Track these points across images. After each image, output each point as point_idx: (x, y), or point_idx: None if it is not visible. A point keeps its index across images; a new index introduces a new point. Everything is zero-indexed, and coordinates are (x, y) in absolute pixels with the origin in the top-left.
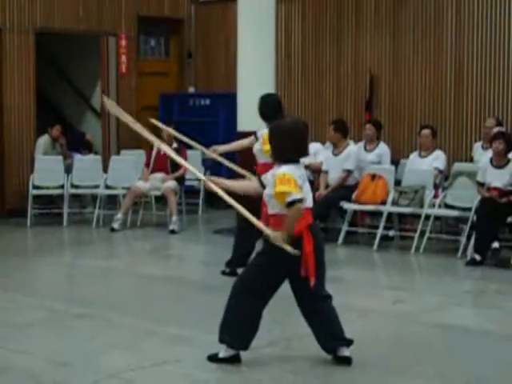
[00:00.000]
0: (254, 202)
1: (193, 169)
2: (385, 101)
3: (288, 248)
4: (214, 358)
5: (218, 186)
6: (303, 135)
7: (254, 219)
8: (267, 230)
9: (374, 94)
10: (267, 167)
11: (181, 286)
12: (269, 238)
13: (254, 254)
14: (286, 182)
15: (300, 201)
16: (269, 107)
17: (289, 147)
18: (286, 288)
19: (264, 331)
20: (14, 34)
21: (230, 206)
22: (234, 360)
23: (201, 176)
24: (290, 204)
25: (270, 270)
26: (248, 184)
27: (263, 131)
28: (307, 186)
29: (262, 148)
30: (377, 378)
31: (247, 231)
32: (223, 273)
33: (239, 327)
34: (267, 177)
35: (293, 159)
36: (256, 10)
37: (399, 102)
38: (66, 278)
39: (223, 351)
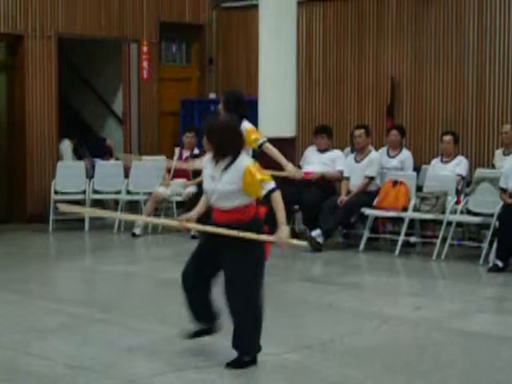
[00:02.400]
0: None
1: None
2: (406, 106)
3: (295, 242)
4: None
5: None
6: (239, 130)
7: (252, 235)
8: (272, 238)
9: (395, 100)
10: None
11: None
12: (278, 242)
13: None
14: (259, 170)
15: (276, 188)
16: (231, 102)
17: (237, 141)
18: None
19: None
20: (36, 40)
21: None
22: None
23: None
24: (271, 192)
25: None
26: (203, 201)
27: (245, 126)
28: None
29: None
30: (398, 383)
31: None
32: None
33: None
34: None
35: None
36: (277, 15)
37: (421, 107)
38: (87, 283)
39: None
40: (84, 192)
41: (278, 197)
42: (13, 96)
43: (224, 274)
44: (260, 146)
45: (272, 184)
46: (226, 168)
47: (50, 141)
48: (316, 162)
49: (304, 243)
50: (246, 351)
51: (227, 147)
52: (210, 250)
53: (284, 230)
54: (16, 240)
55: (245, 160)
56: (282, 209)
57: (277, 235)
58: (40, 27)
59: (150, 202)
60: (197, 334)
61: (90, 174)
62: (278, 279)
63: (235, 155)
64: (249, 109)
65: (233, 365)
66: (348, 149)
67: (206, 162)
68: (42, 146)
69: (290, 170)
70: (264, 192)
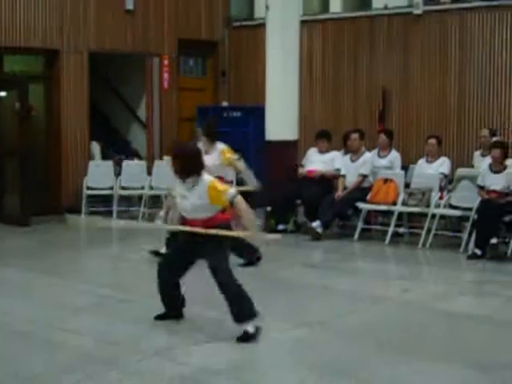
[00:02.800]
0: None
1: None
2: (396, 113)
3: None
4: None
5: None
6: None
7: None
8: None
9: (386, 107)
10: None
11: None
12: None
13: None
14: (218, 183)
15: (236, 194)
16: (209, 128)
17: (198, 162)
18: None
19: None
20: (70, 54)
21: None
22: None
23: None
24: (233, 197)
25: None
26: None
27: (220, 147)
28: None
29: (220, 161)
30: (388, 357)
31: None
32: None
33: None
34: (175, 193)
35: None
36: (282, 33)
37: (409, 113)
38: (114, 268)
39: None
40: (112, 188)
41: (240, 201)
42: (50, 104)
43: (208, 262)
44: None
45: (232, 191)
46: (193, 186)
47: (82, 143)
48: (317, 162)
49: (278, 236)
50: (245, 317)
51: (190, 169)
52: (189, 248)
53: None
54: (53, 230)
55: (207, 178)
56: (246, 212)
57: (252, 232)
58: (73, 43)
59: (170, 197)
60: (164, 317)
61: (117, 172)
62: (281, 264)
63: (197, 175)
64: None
65: (241, 339)
66: (342, 150)
67: (176, 183)
68: (75, 147)
69: (252, 184)
70: (228, 198)
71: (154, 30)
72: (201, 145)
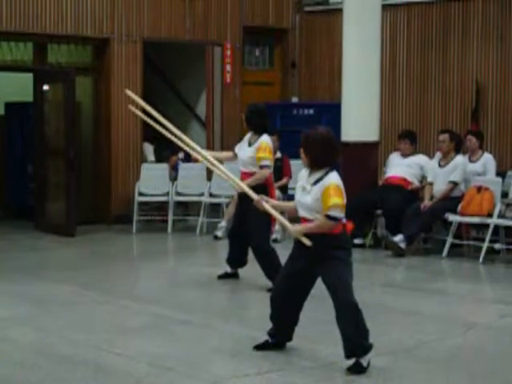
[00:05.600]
0: None
1: (245, 187)
2: (491, 111)
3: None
4: None
5: (270, 205)
6: (337, 143)
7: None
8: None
9: (480, 104)
10: (251, 177)
11: None
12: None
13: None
14: (340, 194)
15: (339, 220)
16: (255, 116)
17: (329, 154)
18: None
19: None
20: (122, 43)
21: None
22: None
23: (253, 195)
24: (331, 219)
25: None
26: (288, 204)
27: (262, 139)
28: None
29: (255, 155)
30: None
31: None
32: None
33: None
34: (305, 186)
35: (332, 166)
36: (361, 19)
37: (506, 112)
38: (170, 285)
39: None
40: (167, 194)
41: (327, 225)
42: (99, 98)
43: (325, 282)
44: (260, 167)
45: (340, 214)
46: (318, 181)
47: (134, 142)
48: (399, 166)
49: (308, 242)
50: (358, 351)
51: (323, 160)
52: (302, 267)
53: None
54: (101, 240)
55: (333, 177)
56: (314, 228)
57: (293, 227)
58: (126, 31)
59: (232, 204)
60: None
61: (173, 177)
62: (359, 284)
63: (328, 169)
64: (329, 113)
65: (352, 369)
66: (438, 153)
67: (301, 174)
68: (126, 147)
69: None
70: (328, 214)
71: (216, 16)
72: (247, 136)
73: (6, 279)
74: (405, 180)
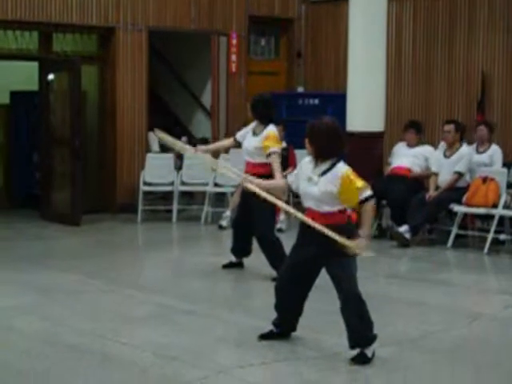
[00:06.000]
0: None
1: (232, 169)
2: (497, 101)
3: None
4: None
5: (254, 185)
6: (342, 133)
7: (335, 236)
8: (347, 242)
9: (486, 95)
10: (258, 167)
11: None
12: (354, 248)
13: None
14: (356, 175)
15: (373, 196)
16: (260, 105)
17: (334, 145)
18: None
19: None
20: (127, 32)
21: None
22: None
23: (239, 175)
24: (366, 200)
25: None
26: (276, 183)
27: (269, 129)
28: None
29: (261, 145)
30: (487, 381)
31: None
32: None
33: None
34: (311, 176)
35: (339, 156)
36: (367, 10)
37: None
38: (174, 274)
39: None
40: (172, 183)
41: (370, 207)
42: (104, 87)
43: (330, 273)
44: (269, 154)
45: (369, 191)
46: (325, 172)
47: (139, 132)
48: (405, 156)
49: (370, 254)
50: (363, 342)
51: (329, 151)
52: (307, 256)
53: (363, 241)
54: (106, 230)
55: (343, 166)
56: (369, 220)
57: (356, 242)
58: (131, 20)
59: (237, 194)
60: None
61: (178, 166)
62: (366, 275)
63: (335, 160)
64: (335, 102)
65: (356, 360)
66: (442, 143)
67: (304, 163)
68: (131, 136)
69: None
70: (361, 198)
71: (222, 6)
72: (252, 125)
73: (12, 268)
74: (410, 170)
